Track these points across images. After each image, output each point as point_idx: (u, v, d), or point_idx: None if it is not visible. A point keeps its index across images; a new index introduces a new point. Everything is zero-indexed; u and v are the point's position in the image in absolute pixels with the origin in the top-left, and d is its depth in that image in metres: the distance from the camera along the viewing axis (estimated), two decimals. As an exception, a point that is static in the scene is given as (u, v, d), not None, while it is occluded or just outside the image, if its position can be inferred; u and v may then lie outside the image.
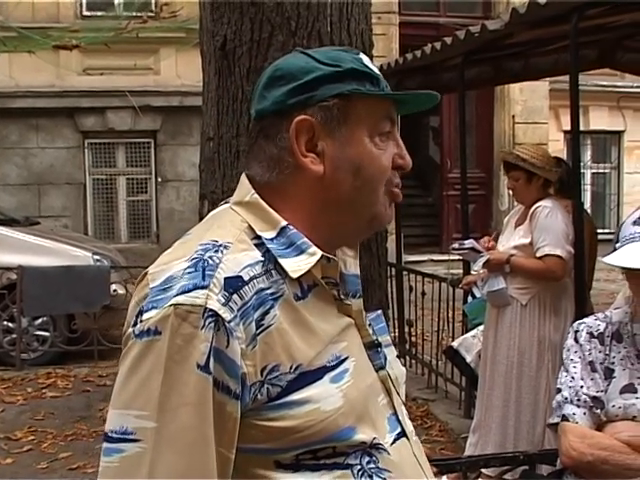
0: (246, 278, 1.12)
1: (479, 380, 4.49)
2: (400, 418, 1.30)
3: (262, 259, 1.16)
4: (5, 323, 7.55)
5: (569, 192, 4.21)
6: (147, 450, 1.06)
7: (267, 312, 1.13)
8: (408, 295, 6.72)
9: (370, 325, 1.31)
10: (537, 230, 4.04)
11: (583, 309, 3.88)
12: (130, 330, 1.12)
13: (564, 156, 5.44)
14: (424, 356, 6.60)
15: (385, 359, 1.31)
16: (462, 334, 5.24)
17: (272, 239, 1.19)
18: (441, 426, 5.44)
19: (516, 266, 4.11)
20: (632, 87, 14.03)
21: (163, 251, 1.21)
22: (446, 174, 13.53)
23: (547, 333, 4.09)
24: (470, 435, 4.46)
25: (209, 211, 1.34)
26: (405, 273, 6.94)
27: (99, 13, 11.87)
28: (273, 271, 1.17)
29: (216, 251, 1.14)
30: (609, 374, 2.14)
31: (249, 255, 1.16)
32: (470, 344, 4.82)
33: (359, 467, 1.18)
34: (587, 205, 13.90)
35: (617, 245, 2.10)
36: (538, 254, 4.02)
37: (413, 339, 6.85)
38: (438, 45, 5.41)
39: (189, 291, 1.08)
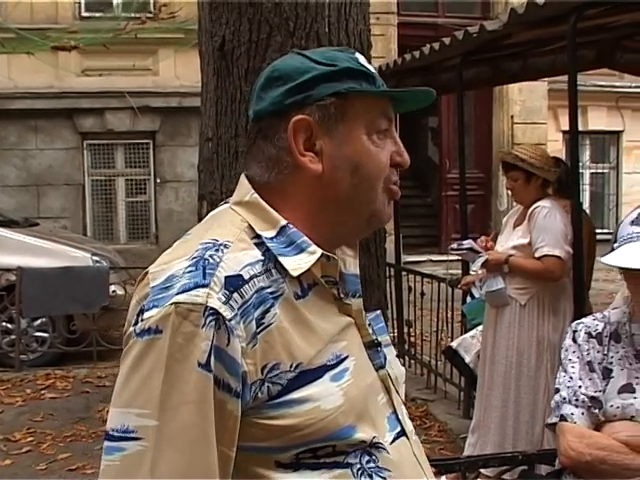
0: (246, 277, 1.13)
1: (478, 380, 4.49)
2: (400, 417, 1.30)
3: (262, 258, 1.17)
4: (4, 324, 7.54)
5: (568, 192, 4.21)
6: (148, 448, 1.07)
7: (267, 311, 1.14)
8: (407, 295, 6.72)
9: (370, 325, 1.32)
10: (536, 230, 4.04)
11: (582, 309, 3.88)
12: (131, 329, 1.12)
13: (563, 156, 5.43)
14: (423, 356, 6.60)
15: (385, 358, 1.32)
16: (461, 334, 5.24)
17: (272, 238, 1.19)
18: (440, 426, 5.44)
19: (515, 266, 4.11)
20: (631, 87, 14.04)
21: (162, 252, 1.22)
22: (445, 174, 13.54)
23: (546, 333, 4.10)
24: (469, 435, 4.46)
25: (208, 212, 1.34)
26: (404, 273, 6.94)
27: (97, 14, 11.85)
28: (273, 270, 1.17)
29: (216, 250, 1.14)
30: (607, 374, 2.14)
31: (249, 254, 1.16)
32: (469, 344, 4.82)
33: (359, 466, 1.18)
34: (586, 205, 13.90)
35: (615, 245, 2.11)
36: (537, 254, 4.03)
37: (412, 339, 6.86)
38: (436, 46, 5.41)
39: (190, 290, 1.09)
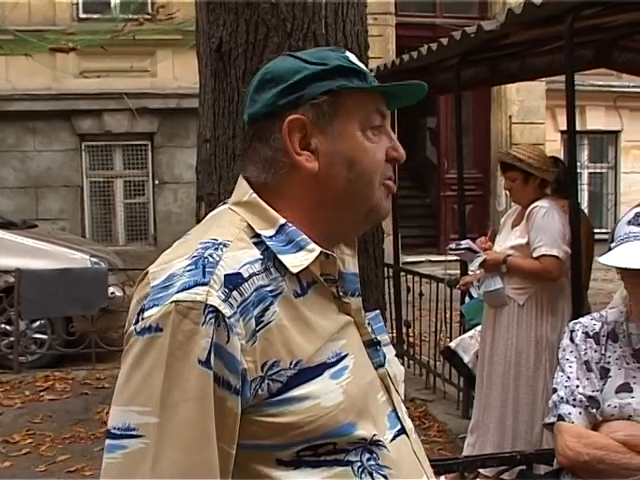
0: (246, 275, 1.14)
1: (477, 380, 4.49)
2: (400, 415, 1.31)
3: (261, 257, 1.18)
4: (3, 326, 7.55)
5: (566, 192, 4.22)
6: (150, 446, 1.07)
7: (267, 309, 1.14)
8: (406, 296, 6.73)
9: (369, 324, 1.32)
10: (534, 230, 4.04)
11: (580, 309, 3.88)
12: (132, 328, 1.13)
13: (561, 156, 5.43)
14: (422, 357, 6.60)
15: (384, 357, 1.32)
16: (460, 334, 5.24)
17: (271, 237, 1.20)
18: (439, 426, 5.45)
19: (513, 266, 4.11)
20: (629, 87, 14.04)
21: (161, 253, 1.23)
22: (443, 175, 13.54)
23: (544, 333, 4.10)
24: (468, 435, 4.46)
25: (206, 213, 1.35)
26: (403, 274, 6.95)
27: (95, 16, 11.85)
28: (272, 269, 1.18)
29: (216, 249, 1.15)
30: (605, 374, 2.15)
31: (248, 253, 1.17)
32: (468, 344, 4.82)
33: (359, 464, 1.19)
34: (584, 205, 13.91)
35: (612, 245, 2.11)
36: (535, 254, 4.03)
37: (411, 340, 6.86)
38: (434, 46, 5.41)
39: (190, 288, 1.10)
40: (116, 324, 7.63)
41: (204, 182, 3.67)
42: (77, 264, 7.62)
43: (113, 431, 1.11)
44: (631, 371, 2.13)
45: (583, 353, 2.18)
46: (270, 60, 1.34)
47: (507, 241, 4.23)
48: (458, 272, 5.56)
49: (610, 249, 2.11)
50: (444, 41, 5.25)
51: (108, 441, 1.11)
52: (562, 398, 2.14)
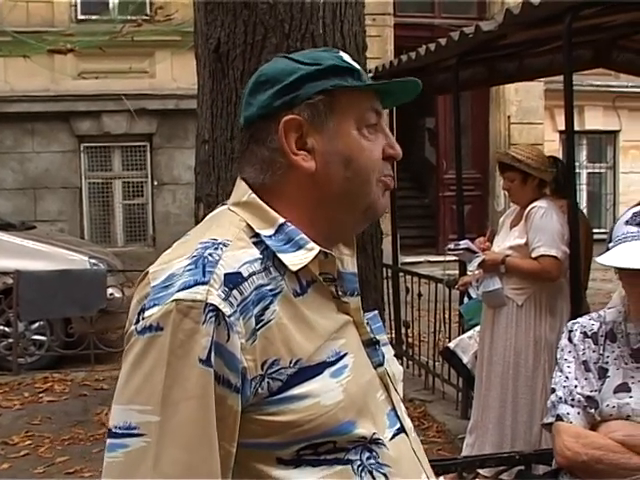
0: (245, 274, 1.15)
1: (476, 381, 4.49)
2: (399, 414, 1.31)
3: (260, 256, 1.19)
4: (1, 328, 7.53)
5: (565, 192, 4.22)
6: (151, 444, 1.08)
7: (267, 307, 1.15)
8: (404, 296, 6.73)
9: (368, 323, 1.33)
10: (532, 230, 4.04)
11: (579, 309, 3.89)
12: (132, 328, 1.14)
13: (560, 156, 5.43)
14: (421, 357, 6.60)
15: (383, 357, 1.33)
16: (458, 335, 5.25)
17: (271, 236, 1.21)
18: (438, 427, 5.45)
19: (511, 267, 4.11)
20: (627, 87, 14.05)
21: (159, 254, 1.24)
22: (442, 175, 13.54)
23: (543, 333, 4.10)
24: (467, 436, 4.46)
25: (205, 214, 1.36)
26: (401, 274, 6.95)
27: (94, 17, 11.82)
28: (272, 268, 1.19)
29: (216, 248, 1.16)
30: (603, 374, 2.15)
31: (248, 252, 1.18)
32: (467, 345, 4.82)
33: (359, 463, 1.19)
34: (583, 205, 13.93)
35: (610, 245, 2.11)
36: (533, 254, 4.03)
37: (410, 340, 6.86)
38: (432, 46, 5.42)
39: (190, 287, 1.11)
40: (115, 325, 7.62)
41: (202, 183, 3.66)
42: (76, 265, 7.61)
43: (114, 430, 1.11)
44: (629, 371, 2.13)
45: (581, 353, 2.18)
46: (268, 61, 1.35)
47: (506, 241, 4.23)
48: (457, 272, 5.56)
49: (608, 249, 2.11)
50: (442, 41, 5.26)
51: (109, 440, 1.12)
52: (560, 398, 2.14)
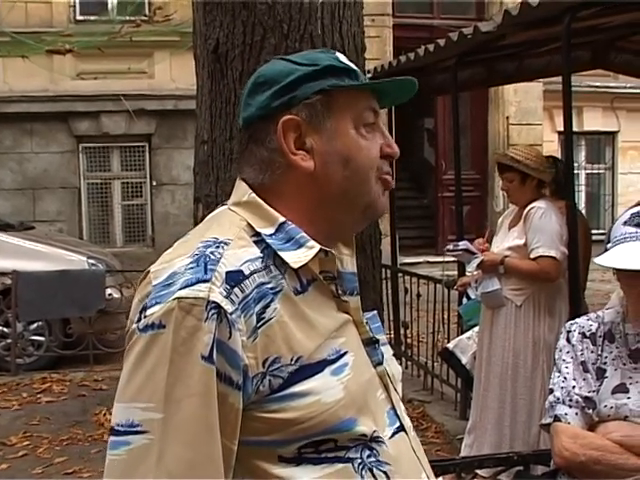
0: (247, 272, 1.16)
1: (474, 381, 4.49)
2: (398, 413, 1.32)
3: (261, 255, 1.20)
4: (0, 328, 7.53)
5: (565, 193, 4.22)
6: (154, 441, 1.08)
7: (268, 305, 1.16)
8: (403, 297, 6.73)
9: (367, 323, 1.34)
10: (531, 231, 4.04)
11: (578, 310, 3.88)
12: (134, 326, 1.15)
13: (558, 157, 5.44)
14: (420, 358, 6.60)
15: (382, 356, 1.34)
16: (457, 335, 5.25)
17: (271, 235, 1.22)
18: (437, 427, 5.45)
19: (510, 267, 4.11)
20: (625, 88, 14.06)
21: (158, 255, 1.25)
22: (441, 176, 13.55)
23: (542, 334, 4.10)
24: (466, 436, 4.46)
25: (204, 214, 1.37)
26: (400, 275, 6.95)
27: (92, 17, 11.83)
28: (272, 267, 1.20)
29: (217, 247, 1.17)
30: (601, 374, 2.15)
31: (249, 251, 1.19)
32: (465, 345, 4.82)
33: (359, 460, 1.20)
34: (582, 206, 13.94)
35: (608, 246, 2.11)
36: (532, 255, 4.03)
37: (409, 341, 6.86)
38: (431, 47, 5.42)
39: (192, 285, 1.12)
40: (114, 326, 7.62)
41: (201, 183, 3.66)
42: (74, 266, 7.61)
43: (117, 428, 1.12)
44: (627, 372, 2.13)
45: (580, 354, 2.18)
46: (267, 62, 1.35)
47: (504, 242, 4.23)
48: (456, 273, 5.56)
49: (607, 250, 2.11)
50: (441, 42, 5.26)
51: (112, 438, 1.12)
52: (558, 399, 2.14)
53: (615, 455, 2.02)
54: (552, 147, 13.25)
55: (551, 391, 2.18)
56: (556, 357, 2.24)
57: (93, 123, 11.85)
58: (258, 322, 1.14)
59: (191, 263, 1.14)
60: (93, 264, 7.77)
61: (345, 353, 1.23)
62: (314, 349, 1.19)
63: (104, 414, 5.81)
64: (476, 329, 4.64)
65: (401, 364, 6.45)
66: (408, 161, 13.45)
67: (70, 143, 11.91)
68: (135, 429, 1.10)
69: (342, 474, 1.18)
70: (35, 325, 7.57)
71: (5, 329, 7.50)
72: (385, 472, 1.22)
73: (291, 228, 1.23)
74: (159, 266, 1.19)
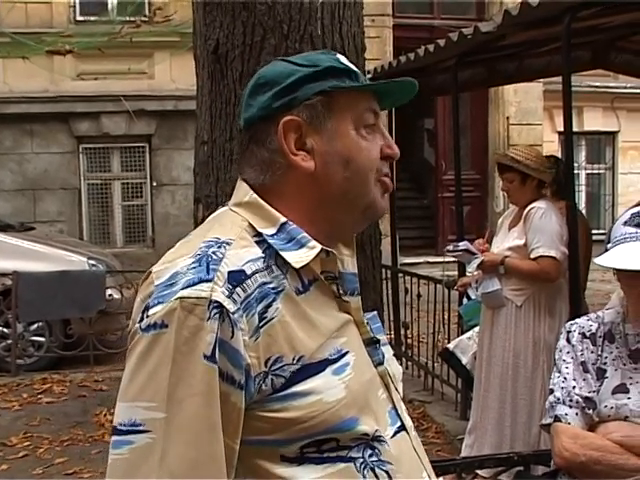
0: (249, 272, 1.16)
1: (475, 382, 4.49)
2: (399, 412, 1.33)
3: (263, 255, 1.20)
4: (0, 329, 7.53)
5: (565, 193, 4.22)
6: (157, 440, 1.09)
7: (270, 305, 1.16)
8: (404, 297, 6.73)
9: (367, 323, 1.34)
10: (531, 231, 4.04)
11: (578, 310, 3.88)
12: (136, 326, 1.15)
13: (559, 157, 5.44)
14: (420, 358, 6.60)
15: (383, 356, 1.34)
16: (458, 336, 5.25)
17: (273, 235, 1.23)
18: (437, 428, 5.45)
19: (510, 267, 4.11)
20: (626, 88, 14.06)
21: (158, 255, 1.25)
22: (441, 176, 13.55)
23: (542, 334, 4.10)
24: (466, 437, 4.46)
25: (204, 214, 1.37)
26: (400, 275, 6.95)
27: (92, 18, 11.83)
28: (274, 267, 1.20)
29: (219, 247, 1.17)
30: (601, 374, 2.15)
31: (250, 251, 1.20)
32: (466, 346, 4.82)
33: (362, 460, 1.20)
34: (582, 206, 13.94)
35: (608, 246, 2.11)
36: (532, 255, 4.03)
37: (409, 341, 6.86)
38: (431, 47, 5.42)
39: (194, 285, 1.12)
40: (114, 326, 7.62)
41: (201, 184, 3.66)
42: (75, 266, 7.61)
43: (119, 427, 1.12)
44: (627, 372, 2.13)
45: (580, 354, 2.18)
46: (267, 62, 1.36)
47: (504, 242, 4.23)
48: (456, 273, 5.56)
49: (607, 250, 2.11)
50: (441, 42, 5.26)
51: (114, 437, 1.13)
52: (559, 399, 2.14)
53: (615, 455, 2.02)
54: (552, 147, 13.24)
55: (551, 391, 2.18)
56: (556, 357, 2.24)
57: (93, 124, 11.85)
58: (260, 322, 1.14)
59: (193, 263, 1.15)
60: (93, 265, 7.77)
61: (346, 353, 1.23)
62: (316, 349, 1.19)
63: (104, 415, 5.81)
64: (476, 329, 4.64)
65: (401, 364, 6.44)
66: (408, 161, 13.44)
67: (70, 144, 11.91)
68: (138, 428, 1.10)
69: (344, 474, 1.19)
70: (35, 326, 7.57)
71: (5, 330, 7.50)
72: (387, 471, 1.22)
73: (292, 228, 1.24)
74: (161, 266, 1.19)
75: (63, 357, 7.53)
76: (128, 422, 1.11)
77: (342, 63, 1.29)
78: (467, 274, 4.89)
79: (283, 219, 1.24)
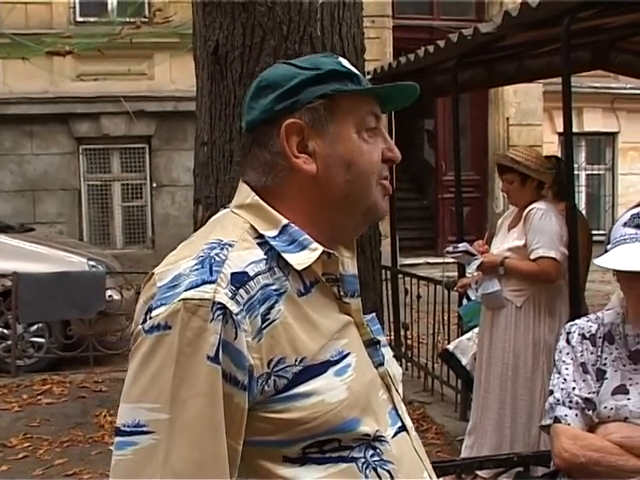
0: (251, 274, 1.17)
1: (474, 382, 4.49)
2: (400, 413, 1.34)
3: (265, 257, 1.21)
4: (0, 330, 7.53)
5: (565, 194, 4.22)
6: (161, 441, 1.09)
7: (272, 307, 1.17)
8: (403, 298, 6.73)
9: (367, 324, 1.35)
10: (531, 232, 4.04)
11: (578, 311, 3.88)
12: (139, 327, 1.16)
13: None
14: (420, 359, 6.60)
15: (383, 357, 1.35)
16: (457, 337, 5.25)
17: (275, 237, 1.24)
18: (437, 429, 5.44)
19: (510, 268, 4.11)
20: (626, 88, 14.07)
21: (158, 256, 1.25)
22: (441, 177, 13.54)
23: (542, 335, 4.10)
24: (466, 437, 4.46)
25: (204, 216, 1.38)
26: (400, 276, 6.95)
27: (92, 19, 11.84)
28: (276, 268, 1.21)
29: (222, 249, 1.18)
30: (601, 375, 2.15)
31: (253, 253, 1.20)
32: (465, 347, 4.82)
33: (363, 460, 1.21)
34: (582, 206, 13.94)
35: (608, 247, 2.11)
36: (532, 256, 4.03)
37: (409, 342, 6.86)
38: (431, 48, 5.42)
39: (197, 286, 1.13)
40: (114, 327, 7.62)
41: (201, 185, 3.66)
42: (75, 267, 7.60)
43: (123, 428, 1.13)
44: (627, 373, 2.13)
45: (579, 355, 2.18)
46: (267, 63, 1.36)
47: (504, 243, 4.23)
48: (456, 274, 5.56)
49: (606, 251, 2.11)
50: (441, 43, 5.26)
51: (117, 438, 1.13)
52: (558, 400, 2.14)
53: (615, 456, 2.02)
54: (552, 148, 13.24)
55: (551, 392, 2.18)
56: (556, 358, 2.24)
57: (93, 125, 11.85)
58: (263, 323, 1.15)
59: (196, 265, 1.16)
60: (93, 266, 7.76)
61: (348, 354, 1.24)
62: (318, 350, 1.20)
63: (104, 416, 5.81)
64: (476, 330, 4.64)
65: (401, 365, 6.45)
66: (408, 162, 13.44)
67: (70, 145, 11.92)
68: (141, 429, 1.10)
69: (346, 474, 1.20)
70: (35, 327, 7.57)
71: (5, 331, 7.49)
72: (389, 471, 1.23)
73: (294, 230, 1.24)
74: (163, 268, 1.20)
75: (63, 358, 7.52)
76: (132, 423, 1.11)
77: (344, 66, 1.30)
78: (467, 275, 4.89)
79: (285, 221, 1.25)
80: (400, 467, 1.25)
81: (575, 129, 4.15)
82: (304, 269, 1.22)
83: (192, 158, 3.98)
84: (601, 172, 15.51)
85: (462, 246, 4.31)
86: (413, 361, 6.65)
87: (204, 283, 1.13)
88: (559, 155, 5.39)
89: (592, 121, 14.44)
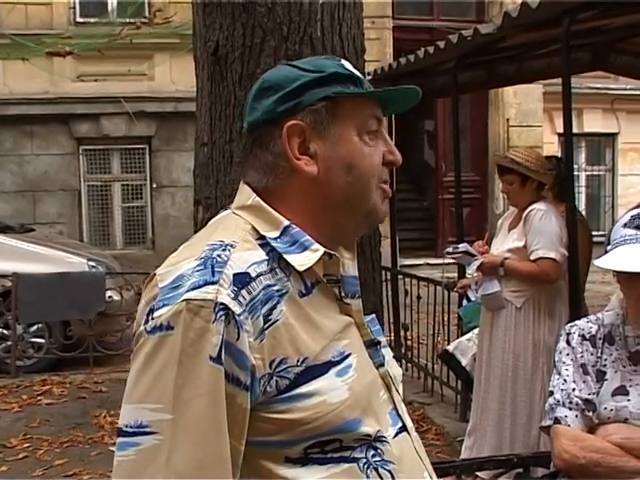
0: (253, 274, 1.17)
1: (474, 383, 4.48)
2: (400, 413, 1.34)
3: (267, 258, 1.21)
4: (0, 330, 7.53)
5: (565, 195, 4.22)
6: (164, 442, 1.09)
7: (274, 307, 1.18)
8: (404, 299, 6.73)
9: (368, 325, 1.35)
10: (531, 233, 4.04)
11: (578, 312, 3.89)
12: (141, 328, 1.16)
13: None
14: (420, 360, 6.60)
15: (384, 357, 1.36)
16: (457, 337, 5.24)
17: (276, 238, 1.24)
18: (437, 429, 5.44)
19: (510, 269, 4.11)
20: (626, 89, 14.08)
21: (158, 257, 1.25)
22: (441, 178, 13.55)
23: (542, 336, 4.10)
24: (466, 438, 4.46)
25: (204, 216, 1.38)
26: (400, 277, 6.95)
27: (92, 20, 11.84)
28: (278, 269, 1.22)
29: (223, 250, 1.18)
30: (601, 376, 2.15)
31: (255, 254, 1.21)
32: (465, 347, 4.82)
33: (364, 460, 1.22)
34: (582, 207, 13.94)
35: (608, 248, 2.11)
36: (532, 257, 4.03)
37: (409, 343, 6.86)
38: (431, 49, 5.42)
39: (200, 287, 1.13)
40: (114, 328, 7.62)
41: (201, 186, 3.65)
42: (75, 268, 7.60)
43: (125, 429, 1.13)
44: (627, 374, 2.13)
45: (579, 356, 2.18)
46: (267, 64, 1.36)
47: (504, 244, 4.23)
48: (456, 275, 5.56)
49: (606, 252, 2.11)
50: (441, 44, 5.26)
51: (120, 439, 1.13)
52: (558, 401, 2.14)
53: (615, 457, 2.02)
54: (552, 149, 13.24)
55: (551, 393, 2.18)
56: (556, 359, 2.24)
57: (93, 125, 11.86)
58: (265, 324, 1.16)
59: (198, 265, 1.16)
60: (93, 266, 7.76)
61: (349, 355, 1.25)
62: (319, 351, 1.20)
63: (104, 416, 5.81)
64: (476, 331, 4.64)
65: (401, 366, 6.44)
66: (408, 163, 13.41)
67: (70, 145, 11.92)
68: (144, 430, 1.11)
69: (348, 474, 1.20)
70: (35, 327, 7.57)
71: (5, 331, 7.50)
72: (390, 471, 1.24)
73: (296, 231, 1.25)
74: (165, 269, 1.20)
75: (63, 359, 7.52)
76: (134, 424, 1.12)
77: (347, 69, 1.31)
78: (467, 276, 4.89)
79: (286, 222, 1.25)
80: (401, 467, 1.25)
81: (575, 130, 4.15)
82: (305, 270, 1.23)
83: (192, 159, 3.98)
84: (601, 173, 15.52)
85: (462, 247, 4.31)
86: (413, 362, 6.65)
87: (206, 284, 1.13)
88: (559, 155, 5.39)
89: (592, 122, 14.44)
